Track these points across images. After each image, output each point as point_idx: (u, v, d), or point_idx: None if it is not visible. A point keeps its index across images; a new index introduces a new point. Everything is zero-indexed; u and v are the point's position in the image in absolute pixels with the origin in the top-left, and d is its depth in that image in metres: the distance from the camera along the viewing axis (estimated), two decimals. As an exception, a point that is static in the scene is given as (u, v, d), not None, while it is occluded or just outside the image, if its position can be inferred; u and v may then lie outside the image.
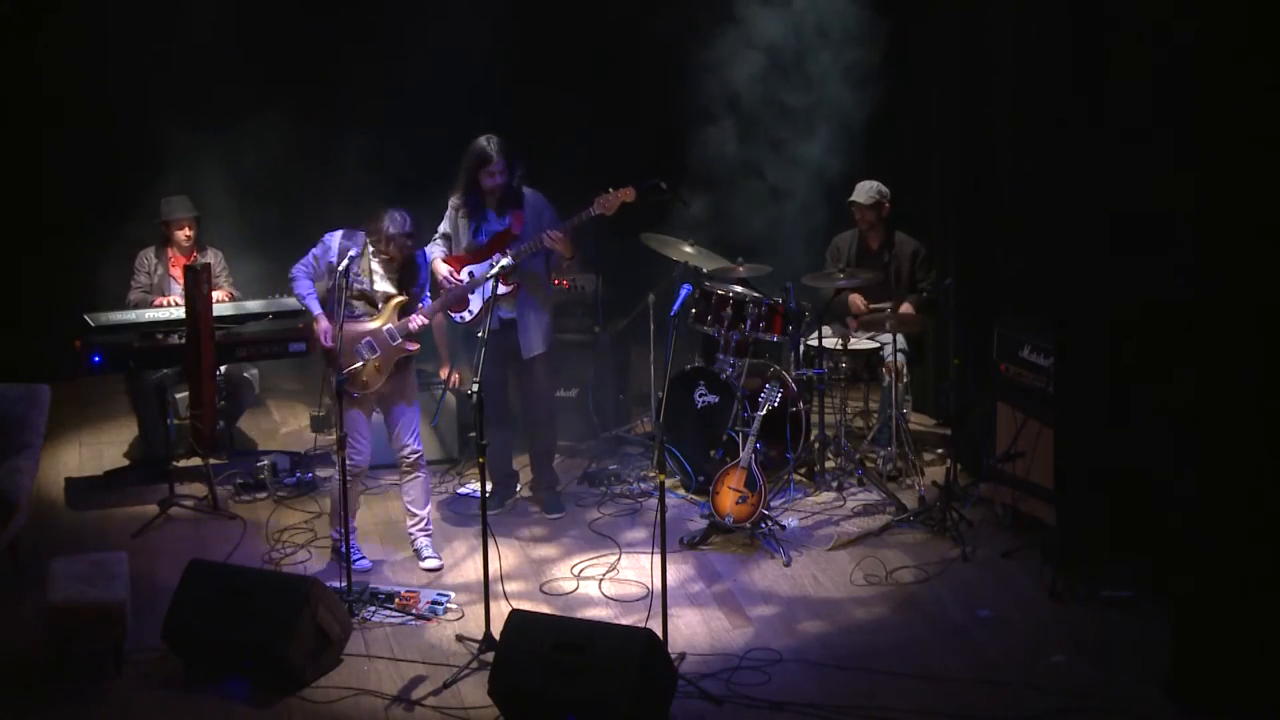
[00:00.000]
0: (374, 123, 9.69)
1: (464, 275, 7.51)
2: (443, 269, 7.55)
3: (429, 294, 7.36)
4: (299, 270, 7.21)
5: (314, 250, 7.19)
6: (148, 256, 8.64)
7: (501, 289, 7.16)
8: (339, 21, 9.81)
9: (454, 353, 8.53)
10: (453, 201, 7.65)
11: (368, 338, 7.12)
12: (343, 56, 9.73)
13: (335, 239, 7.15)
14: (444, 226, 7.71)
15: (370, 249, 7.11)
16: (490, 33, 9.55)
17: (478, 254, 7.57)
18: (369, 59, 9.72)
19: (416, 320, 7.14)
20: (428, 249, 7.47)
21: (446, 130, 8.03)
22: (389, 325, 7.13)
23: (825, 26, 8.59)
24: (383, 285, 7.18)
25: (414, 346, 7.20)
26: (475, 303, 7.55)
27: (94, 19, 9.51)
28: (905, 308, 8.23)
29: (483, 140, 7.46)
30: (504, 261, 7.03)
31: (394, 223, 6.99)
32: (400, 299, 7.16)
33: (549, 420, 8.00)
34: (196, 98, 9.51)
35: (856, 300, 8.37)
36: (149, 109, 9.48)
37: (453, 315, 7.66)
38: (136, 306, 8.47)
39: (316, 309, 7.18)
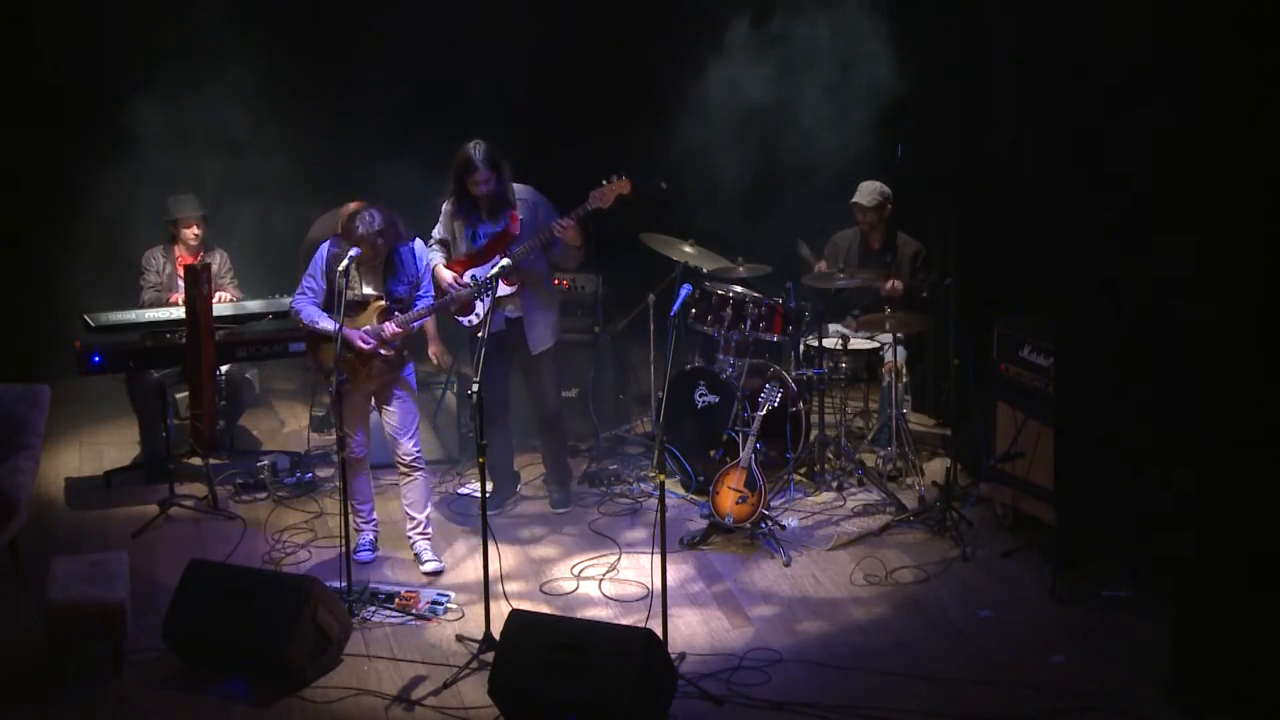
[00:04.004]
0: (380, 121, 9.68)
1: (467, 278, 7.47)
2: (446, 275, 7.49)
3: (430, 292, 7.22)
4: (299, 302, 7.08)
5: (305, 274, 7.09)
6: (155, 255, 8.63)
7: (504, 289, 7.13)
8: (345, 20, 9.81)
9: (445, 344, 8.54)
10: (445, 206, 7.59)
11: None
12: (348, 53, 9.73)
13: (323, 249, 7.09)
14: (439, 232, 7.62)
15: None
16: (495, 33, 9.55)
17: (478, 257, 7.54)
18: (376, 57, 9.71)
19: (389, 328, 7.01)
20: (428, 253, 7.30)
21: (453, 128, 8.01)
22: (365, 328, 7.03)
23: (825, 28, 8.59)
24: (367, 288, 7.08)
25: (386, 353, 7.03)
26: (480, 306, 7.50)
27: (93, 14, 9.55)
28: (894, 284, 8.10)
29: (469, 147, 7.35)
30: (503, 262, 7.00)
31: (363, 223, 6.85)
32: (379, 303, 7.05)
33: (560, 414, 8.01)
34: (200, 96, 9.50)
35: (821, 265, 8.32)
36: (153, 109, 9.49)
37: (460, 319, 7.61)
38: (150, 306, 8.45)
39: (329, 323, 6.93)
